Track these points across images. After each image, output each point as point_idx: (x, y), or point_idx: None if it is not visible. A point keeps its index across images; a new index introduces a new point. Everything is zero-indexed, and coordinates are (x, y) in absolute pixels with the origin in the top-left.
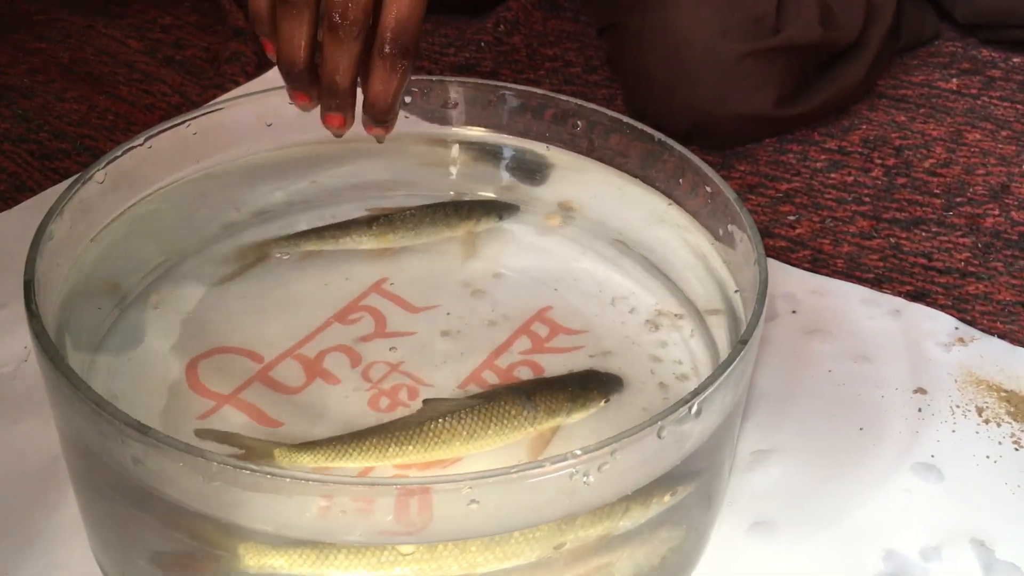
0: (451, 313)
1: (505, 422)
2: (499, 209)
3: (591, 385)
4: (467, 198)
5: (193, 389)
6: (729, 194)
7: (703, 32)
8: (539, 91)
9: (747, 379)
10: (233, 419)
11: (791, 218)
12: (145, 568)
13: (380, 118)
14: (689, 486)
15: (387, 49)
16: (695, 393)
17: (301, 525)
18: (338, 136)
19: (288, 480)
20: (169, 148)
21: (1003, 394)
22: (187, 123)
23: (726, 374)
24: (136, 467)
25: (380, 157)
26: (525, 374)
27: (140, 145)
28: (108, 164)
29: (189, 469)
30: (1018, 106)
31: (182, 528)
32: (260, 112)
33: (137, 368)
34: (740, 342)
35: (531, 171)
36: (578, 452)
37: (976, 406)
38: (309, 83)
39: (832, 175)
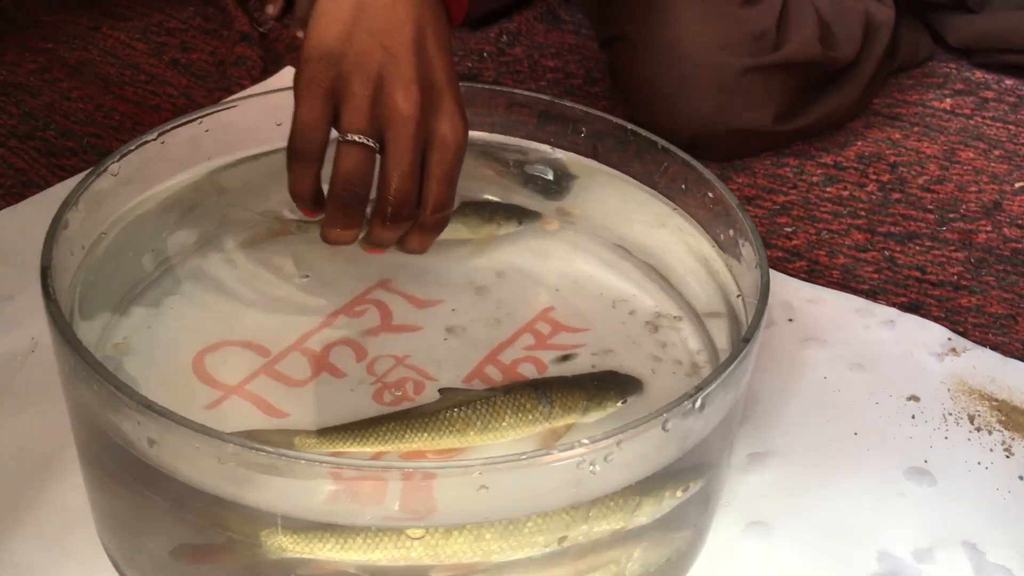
0: (456, 309)
1: (520, 415)
2: (520, 215)
3: (609, 385)
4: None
5: (200, 380)
6: (731, 200)
7: (705, 46)
8: (544, 96)
9: (747, 378)
10: (240, 410)
11: (788, 230)
12: (155, 554)
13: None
14: (699, 482)
15: (431, 224)
16: (699, 388)
17: (315, 507)
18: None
19: (302, 461)
20: (182, 144)
21: (995, 403)
22: (199, 120)
23: (729, 370)
24: (152, 448)
25: None
26: (528, 370)
27: (153, 140)
28: (122, 157)
29: (205, 450)
30: (1010, 126)
31: (198, 513)
32: (270, 112)
33: (145, 359)
34: (743, 340)
35: (550, 183)
36: (585, 441)
37: (968, 414)
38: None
39: (828, 189)
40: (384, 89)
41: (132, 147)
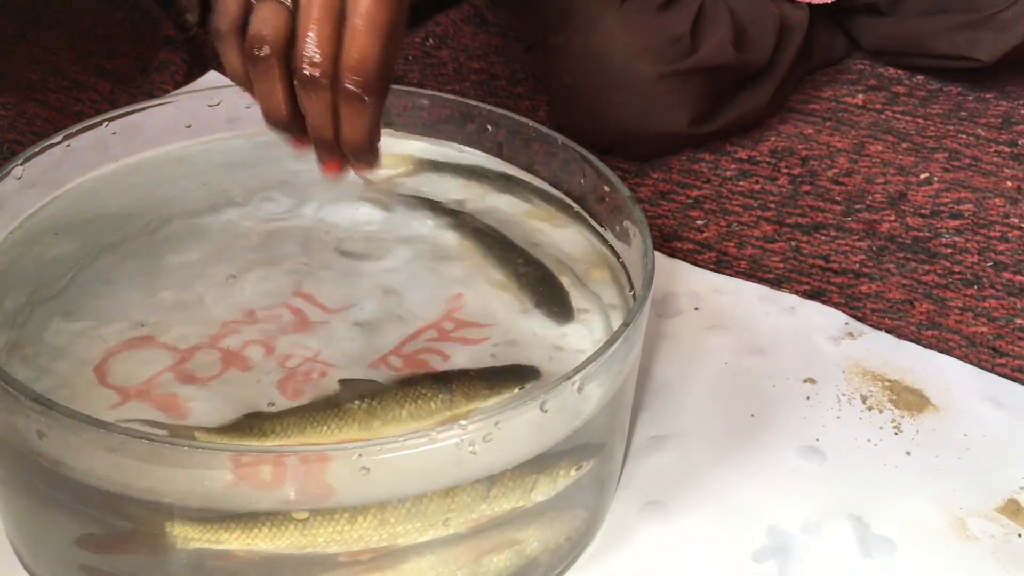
0: (364, 308)
1: (420, 404)
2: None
3: (507, 373)
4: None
5: (103, 383)
6: (622, 191)
7: (622, 53)
8: (449, 96)
9: (633, 359)
10: (143, 410)
11: (699, 223)
12: (61, 548)
13: (359, 157)
14: (591, 461)
15: (350, 89)
16: (576, 370)
17: (205, 496)
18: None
19: (187, 449)
20: (88, 147)
21: (887, 383)
22: (106, 123)
23: (607, 353)
24: (42, 441)
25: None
26: (433, 359)
27: (59, 143)
28: (26, 161)
29: (92, 440)
30: (919, 120)
31: (98, 506)
32: (179, 114)
33: (47, 363)
34: (623, 324)
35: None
36: (464, 422)
37: (861, 395)
38: (300, 129)
39: (741, 183)
40: None
41: (36, 150)
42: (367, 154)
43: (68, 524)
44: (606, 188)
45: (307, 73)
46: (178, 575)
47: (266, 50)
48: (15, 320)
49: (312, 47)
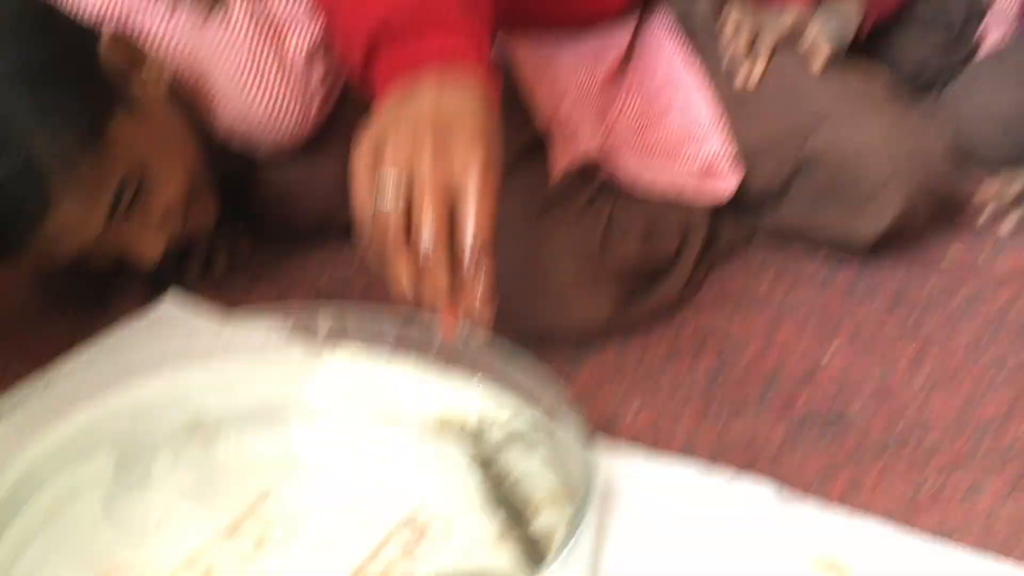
0: (327, 523)
1: None
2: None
3: None
4: None
5: None
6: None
7: (540, 260)
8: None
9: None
10: None
11: (635, 406)
12: None
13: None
14: None
15: (468, 270)
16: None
17: None
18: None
19: None
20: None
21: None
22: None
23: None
24: None
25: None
26: None
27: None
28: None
29: None
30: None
31: None
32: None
33: None
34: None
35: None
36: None
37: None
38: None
39: (665, 373)
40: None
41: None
42: (481, 318)
43: None
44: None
45: (425, 265)
46: None
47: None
48: None
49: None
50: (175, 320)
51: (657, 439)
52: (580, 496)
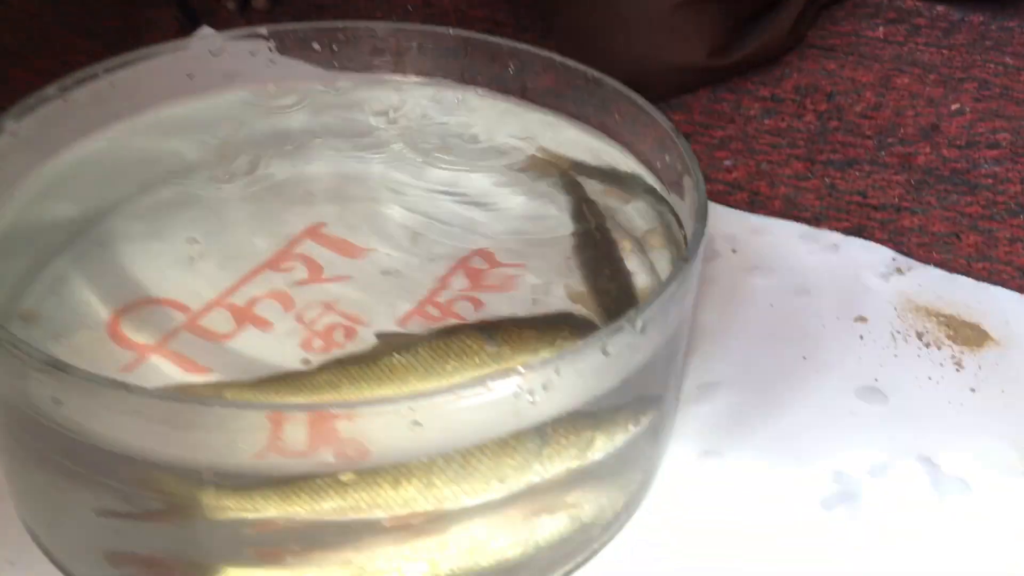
0: (389, 255)
1: (465, 358)
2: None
3: (560, 323)
4: None
5: (116, 341)
6: (665, 125)
7: None
8: (465, 33)
9: (691, 299)
10: (160, 369)
11: (727, 163)
12: (84, 528)
13: None
14: (649, 413)
15: None
16: (640, 310)
17: (245, 460)
18: None
19: (219, 408)
20: (87, 102)
21: (942, 319)
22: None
23: (668, 290)
24: (59, 409)
25: (304, 109)
26: (466, 308)
27: (55, 97)
28: (20, 117)
29: (115, 406)
30: (944, 51)
31: (124, 479)
32: (179, 64)
33: (57, 324)
34: (682, 259)
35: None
36: (522, 369)
37: (916, 331)
38: None
39: (766, 121)
40: None
41: (31, 101)
42: None
43: (90, 499)
44: (645, 122)
45: None
46: (213, 549)
47: None
48: (21, 282)
49: None
50: (215, 48)
51: (754, 197)
52: (692, 233)
